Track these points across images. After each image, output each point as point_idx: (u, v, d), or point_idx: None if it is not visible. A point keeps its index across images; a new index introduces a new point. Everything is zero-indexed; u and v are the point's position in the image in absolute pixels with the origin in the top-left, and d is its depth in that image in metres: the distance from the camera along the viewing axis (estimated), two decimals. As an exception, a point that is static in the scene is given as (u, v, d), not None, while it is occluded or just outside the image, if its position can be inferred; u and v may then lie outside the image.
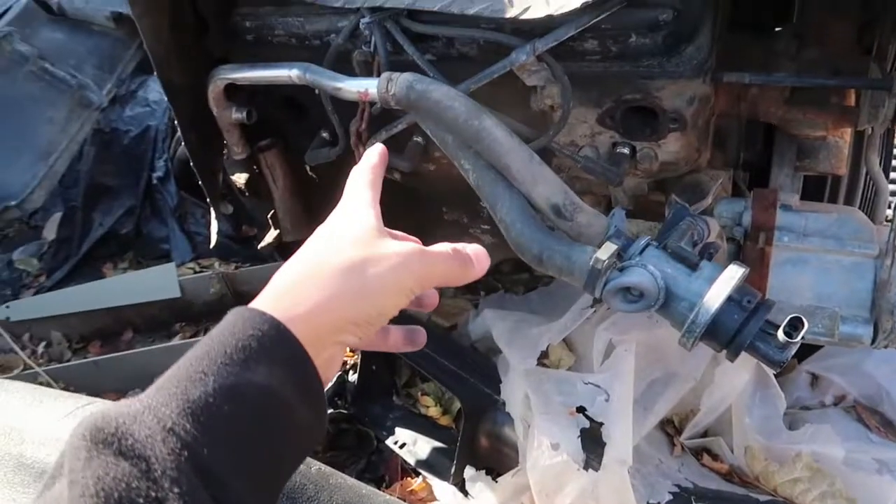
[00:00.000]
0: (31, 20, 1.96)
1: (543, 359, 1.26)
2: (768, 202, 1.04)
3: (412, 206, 1.44)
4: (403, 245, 0.53)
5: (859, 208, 1.23)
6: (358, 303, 0.50)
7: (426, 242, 0.57)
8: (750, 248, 1.04)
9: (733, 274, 0.76)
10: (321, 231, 0.55)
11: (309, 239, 0.55)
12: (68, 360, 1.86)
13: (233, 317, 0.46)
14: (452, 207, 1.49)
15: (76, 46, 2.01)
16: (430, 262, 0.54)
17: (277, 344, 0.45)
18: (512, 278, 1.78)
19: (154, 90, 2.03)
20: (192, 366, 0.43)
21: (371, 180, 0.59)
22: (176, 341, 1.84)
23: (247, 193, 1.47)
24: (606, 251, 0.77)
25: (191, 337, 1.84)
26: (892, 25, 1.09)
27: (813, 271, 0.98)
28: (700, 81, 0.99)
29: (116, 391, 1.70)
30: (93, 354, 1.86)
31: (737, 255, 1.06)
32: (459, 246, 0.58)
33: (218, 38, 1.20)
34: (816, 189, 1.25)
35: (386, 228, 0.55)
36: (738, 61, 1.11)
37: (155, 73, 1.09)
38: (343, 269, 0.49)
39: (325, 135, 1.30)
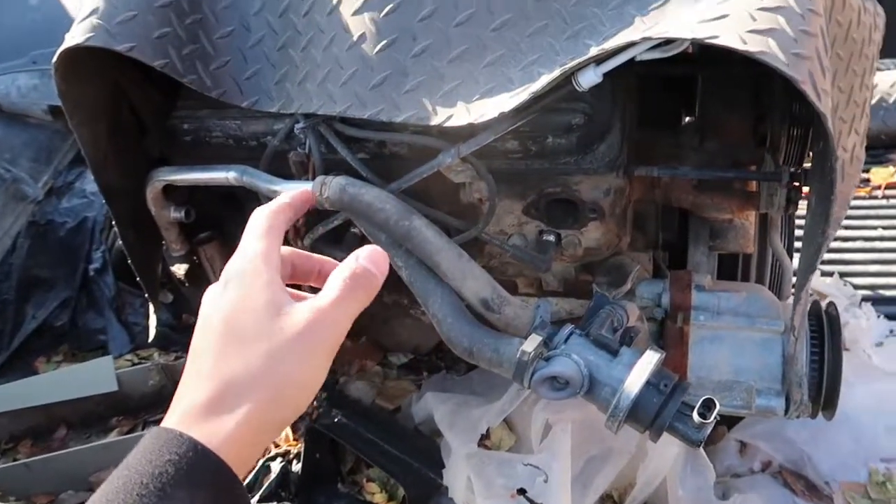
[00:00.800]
0: (-34, 116, 1.96)
1: (485, 440, 1.28)
2: (684, 283, 1.12)
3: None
4: (304, 316, 0.49)
5: (770, 285, 1.32)
6: (279, 407, 0.48)
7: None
8: (670, 327, 1.11)
9: (650, 359, 0.81)
10: (216, 302, 0.51)
11: (206, 309, 0.51)
12: (-5, 462, 1.78)
13: (149, 441, 0.45)
14: (391, 290, 1.53)
15: (11, 139, 2.01)
16: (339, 317, 0.51)
17: (198, 467, 0.43)
18: (452, 356, 1.82)
19: (91, 181, 2.02)
20: (110, 501, 0.41)
21: (268, 227, 0.54)
22: (113, 437, 1.79)
23: (187, 284, 1.48)
24: (532, 343, 0.82)
25: (128, 431, 1.79)
26: (780, 119, 1.21)
27: (728, 348, 1.05)
28: (614, 175, 1.07)
29: (48, 493, 1.63)
30: (23, 455, 1.79)
31: (659, 334, 1.13)
32: (350, 263, 0.53)
33: (156, 139, 1.23)
34: (730, 266, 1.34)
35: (282, 286, 0.51)
36: (649, 153, 1.20)
37: (91, 175, 1.11)
38: (256, 374, 0.48)
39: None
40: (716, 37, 0.73)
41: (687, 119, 1.34)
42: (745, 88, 1.23)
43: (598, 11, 0.92)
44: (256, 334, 0.49)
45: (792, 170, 1.05)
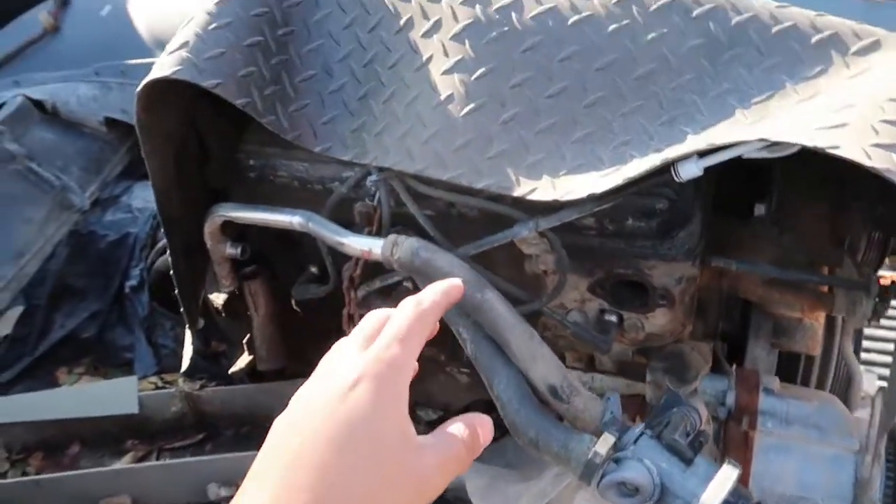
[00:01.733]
0: (24, 119, 1.97)
1: (518, 520, 1.22)
2: (751, 384, 1.06)
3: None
4: (433, 461, 0.48)
5: (831, 390, 1.26)
6: None
7: None
8: (733, 429, 1.05)
9: (729, 475, 0.76)
10: (338, 397, 0.47)
11: (310, 407, 0.47)
12: (5, 473, 1.74)
13: None
14: (430, 344, 1.49)
15: (65, 147, 2.01)
16: (448, 472, 0.49)
17: None
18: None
19: (138, 197, 2.03)
20: None
21: (409, 330, 0.51)
22: (126, 460, 1.74)
23: (223, 314, 1.45)
24: (605, 444, 0.77)
25: (143, 457, 1.74)
26: (863, 220, 1.17)
27: (796, 460, 0.99)
28: (690, 264, 1.03)
29: (55, 514, 1.58)
30: (33, 468, 1.75)
31: (718, 434, 1.07)
32: (466, 427, 0.52)
33: (220, 171, 1.21)
34: (791, 366, 1.29)
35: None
36: (721, 242, 1.16)
37: (155, 206, 1.09)
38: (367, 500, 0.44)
39: (313, 270, 1.30)
40: (837, 147, 0.70)
41: (758, 208, 1.30)
42: (826, 186, 1.19)
43: (698, 99, 0.89)
44: (387, 460, 0.45)
45: (882, 280, 1.00)
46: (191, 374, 1.84)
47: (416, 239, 0.93)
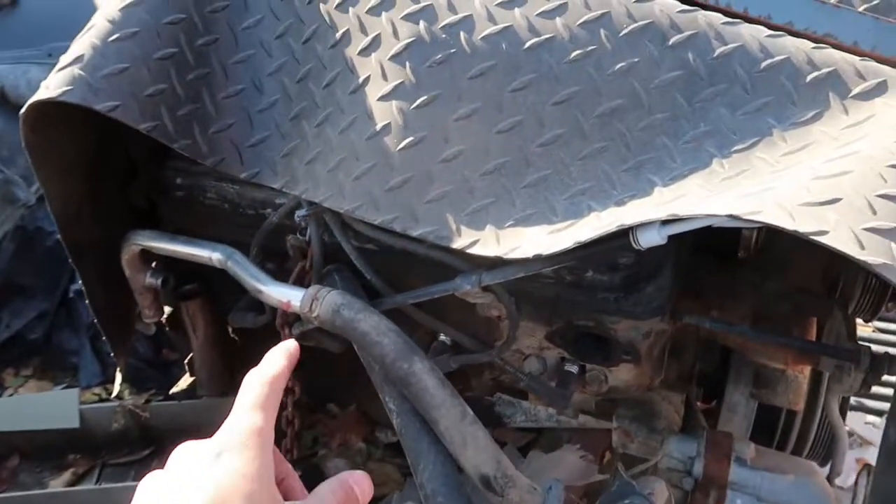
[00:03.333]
0: (-32, 104, 1.83)
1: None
2: (722, 452, 0.95)
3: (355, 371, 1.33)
4: None
5: (811, 450, 1.15)
6: None
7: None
8: (699, 501, 0.94)
9: None
10: (205, 471, 0.46)
11: (184, 473, 0.46)
12: (-61, 484, 1.64)
13: None
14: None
15: (12, 136, 1.87)
16: None
17: None
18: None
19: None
20: None
21: (265, 398, 0.51)
22: (67, 476, 1.64)
23: (167, 328, 1.34)
24: (538, 558, 0.66)
25: (84, 473, 1.64)
26: (858, 267, 1.05)
27: (766, 544, 0.89)
28: (657, 319, 0.91)
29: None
30: (-31, 480, 1.65)
31: (684, 506, 0.96)
32: (341, 486, 0.50)
33: (144, 188, 1.09)
34: (771, 417, 1.17)
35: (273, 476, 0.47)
36: (700, 286, 1.05)
37: (58, 233, 0.97)
38: None
39: (251, 296, 1.18)
40: (824, 232, 0.57)
41: (742, 249, 1.18)
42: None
43: (669, 143, 0.77)
44: None
45: (872, 352, 0.88)
46: (138, 383, 1.73)
47: (339, 294, 0.81)
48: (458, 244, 0.79)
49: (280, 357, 0.56)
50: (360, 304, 0.80)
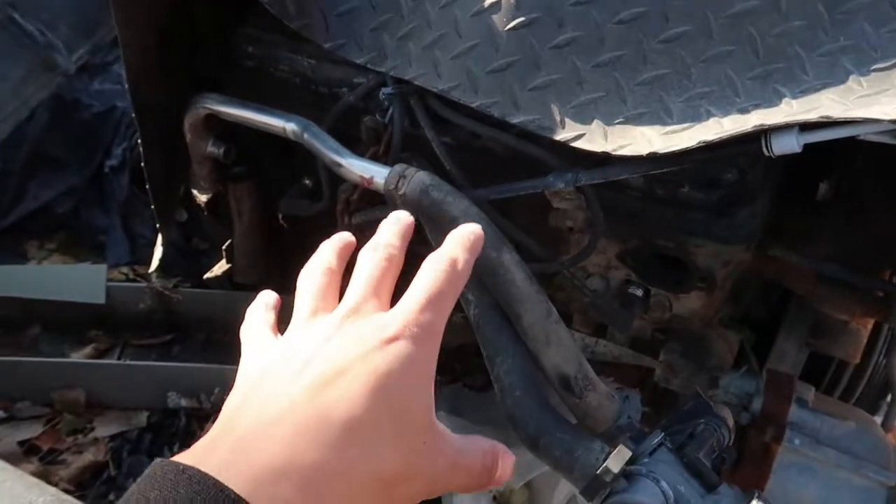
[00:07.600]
0: (10, -41, 1.74)
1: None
2: (783, 392, 0.93)
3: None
4: (442, 451, 0.40)
5: (857, 401, 1.13)
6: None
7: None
8: (754, 438, 0.92)
9: (759, 518, 0.63)
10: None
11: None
12: (-41, 345, 1.63)
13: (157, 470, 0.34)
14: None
15: (55, 0, 1.79)
16: (453, 480, 0.42)
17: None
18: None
19: (130, 68, 1.83)
20: None
21: (452, 297, 0.43)
22: (88, 350, 1.63)
23: (205, 212, 1.30)
24: (618, 460, 0.64)
25: (105, 350, 1.64)
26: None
27: (819, 486, 0.87)
28: (744, 248, 0.87)
29: (5, 399, 1.49)
30: (-9, 345, 1.64)
31: (738, 441, 0.95)
32: (493, 451, 0.44)
33: (212, 57, 1.03)
34: (820, 369, 1.15)
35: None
36: (779, 225, 1.00)
37: (126, 86, 0.92)
38: None
39: (307, 182, 1.14)
40: None
41: (822, 191, 1.13)
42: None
43: (803, 54, 0.71)
44: (412, 430, 0.38)
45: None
46: (166, 269, 1.70)
47: (427, 174, 0.77)
48: (560, 136, 0.75)
49: (466, 248, 0.46)
50: (450, 186, 0.76)
